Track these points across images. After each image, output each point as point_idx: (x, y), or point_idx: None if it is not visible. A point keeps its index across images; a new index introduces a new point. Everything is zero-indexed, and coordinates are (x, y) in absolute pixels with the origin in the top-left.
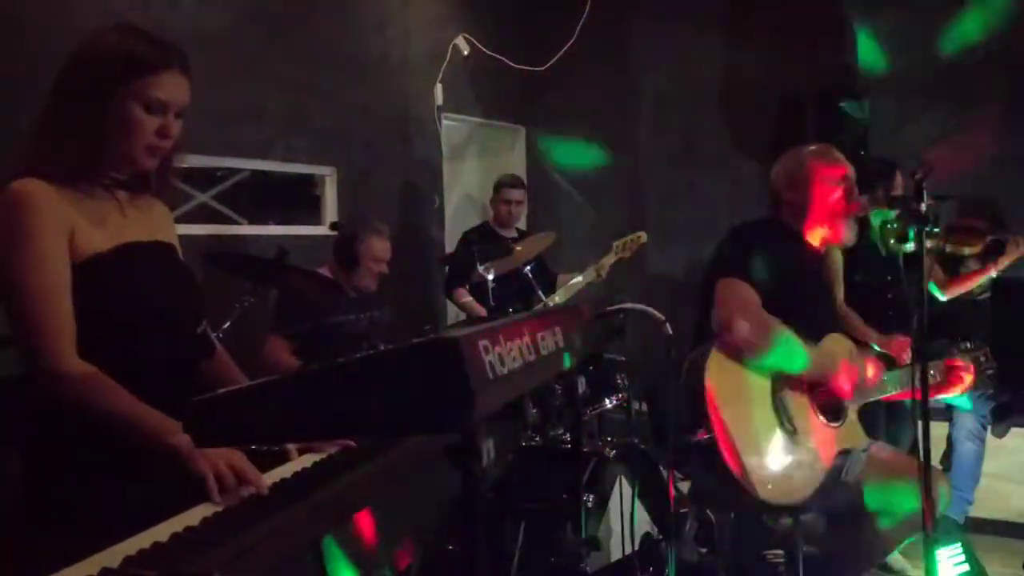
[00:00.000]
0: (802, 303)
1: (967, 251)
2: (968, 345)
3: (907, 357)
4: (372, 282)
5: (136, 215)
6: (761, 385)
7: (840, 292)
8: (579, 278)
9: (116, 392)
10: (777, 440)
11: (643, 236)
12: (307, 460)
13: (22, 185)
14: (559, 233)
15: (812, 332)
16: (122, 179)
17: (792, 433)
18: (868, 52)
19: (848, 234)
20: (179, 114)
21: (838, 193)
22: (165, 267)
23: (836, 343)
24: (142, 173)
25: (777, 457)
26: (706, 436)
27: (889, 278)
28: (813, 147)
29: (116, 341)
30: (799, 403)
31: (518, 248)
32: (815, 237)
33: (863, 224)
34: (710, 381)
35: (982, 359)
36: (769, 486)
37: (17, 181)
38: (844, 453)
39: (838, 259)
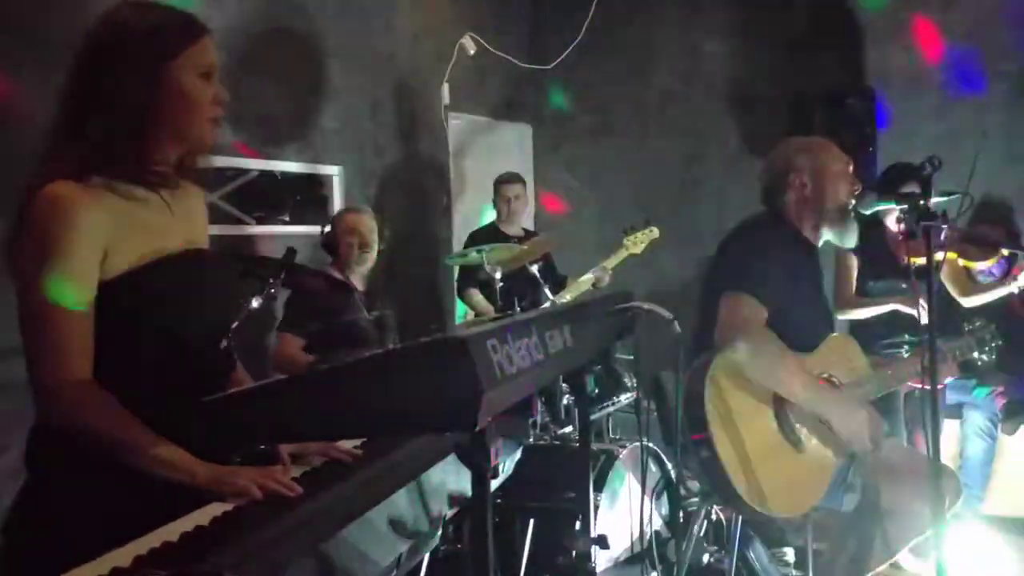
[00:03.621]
0: (803, 306)
1: (979, 266)
2: (977, 324)
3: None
4: (353, 257)
5: (180, 210)
6: (763, 398)
7: (850, 292)
8: (588, 275)
9: (116, 417)
10: (780, 455)
11: (655, 231)
12: (316, 461)
13: (58, 189)
14: (568, 233)
15: (812, 333)
16: (165, 172)
17: (797, 443)
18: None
19: (850, 233)
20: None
21: (840, 188)
22: (197, 280)
23: (839, 349)
24: (201, 151)
25: (780, 473)
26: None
27: (903, 285)
28: (805, 142)
29: (141, 359)
30: (805, 413)
31: (524, 247)
32: (816, 235)
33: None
34: (710, 396)
35: (987, 336)
36: (777, 502)
37: (51, 185)
38: (851, 456)
39: (852, 263)
